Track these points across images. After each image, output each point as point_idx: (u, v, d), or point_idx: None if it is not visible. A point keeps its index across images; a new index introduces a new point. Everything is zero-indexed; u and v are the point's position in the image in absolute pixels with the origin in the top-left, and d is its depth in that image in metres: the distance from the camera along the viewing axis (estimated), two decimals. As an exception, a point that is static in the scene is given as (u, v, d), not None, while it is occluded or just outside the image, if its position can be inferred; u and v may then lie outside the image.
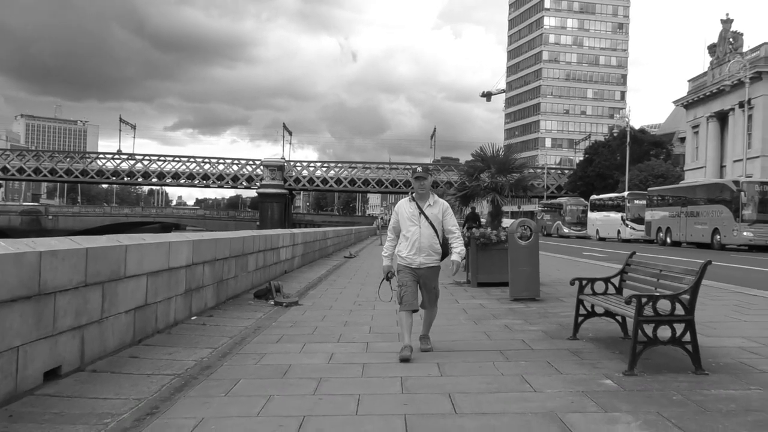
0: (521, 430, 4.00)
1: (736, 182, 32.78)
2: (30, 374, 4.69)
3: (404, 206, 6.43)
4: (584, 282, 7.00)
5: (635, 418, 4.18)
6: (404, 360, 5.94)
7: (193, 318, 8.37)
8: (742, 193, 31.31)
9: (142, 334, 6.76)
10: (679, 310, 5.41)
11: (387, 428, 4.06)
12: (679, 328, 5.41)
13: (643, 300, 5.42)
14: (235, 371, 5.63)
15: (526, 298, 10.41)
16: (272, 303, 10.22)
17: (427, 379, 5.34)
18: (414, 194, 6.43)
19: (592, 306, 6.90)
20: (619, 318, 6.87)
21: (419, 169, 6.52)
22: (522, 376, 5.35)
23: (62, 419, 4.22)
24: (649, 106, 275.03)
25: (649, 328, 5.38)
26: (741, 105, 45.30)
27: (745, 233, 30.94)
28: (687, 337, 5.39)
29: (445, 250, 6.41)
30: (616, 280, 7.12)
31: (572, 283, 7.07)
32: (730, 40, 53.65)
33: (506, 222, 18.83)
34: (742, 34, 53.57)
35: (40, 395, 4.67)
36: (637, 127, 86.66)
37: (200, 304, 8.80)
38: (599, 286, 7.05)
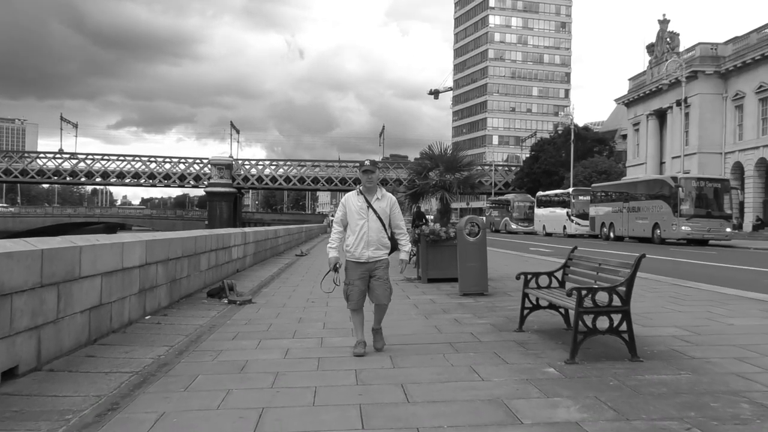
0: (470, 416, 4.25)
1: (675, 178, 33.95)
2: (-11, 375, 4.74)
3: (352, 199, 6.34)
4: (529, 276, 7.32)
5: (575, 402, 4.48)
6: (358, 356, 6.04)
7: (147, 317, 8.42)
8: (680, 189, 32.44)
9: (97, 334, 6.81)
10: (616, 302, 5.77)
11: (343, 417, 4.26)
12: (617, 318, 5.75)
13: (583, 292, 5.74)
14: (192, 368, 5.75)
15: (475, 293, 10.73)
16: (226, 302, 10.30)
17: (381, 371, 5.55)
18: (362, 188, 6.36)
19: (537, 299, 7.22)
20: (561, 310, 7.21)
21: (367, 162, 6.42)
22: (471, 367, 5.61)
23: (23, 416, 4.30)
24: (593, 103, 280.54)
25: (588, 319, 5.71)
26: (678, 103, 46.88)
27: (683, 227, 32.09)
28: (624, 326, 5.74)
29: (394, 244, 6.42)
30: (559, 274, 7.45)
31: (518, 278, 7.38)
32: (668, 39, 55.43)
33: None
34: (678, 35, 55.42)
35: None
36: (581, 124, 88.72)
37: (154, 304, 8.84)
38: (543, 280, 7.38)
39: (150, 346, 6.72)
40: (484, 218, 73.65)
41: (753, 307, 8.87)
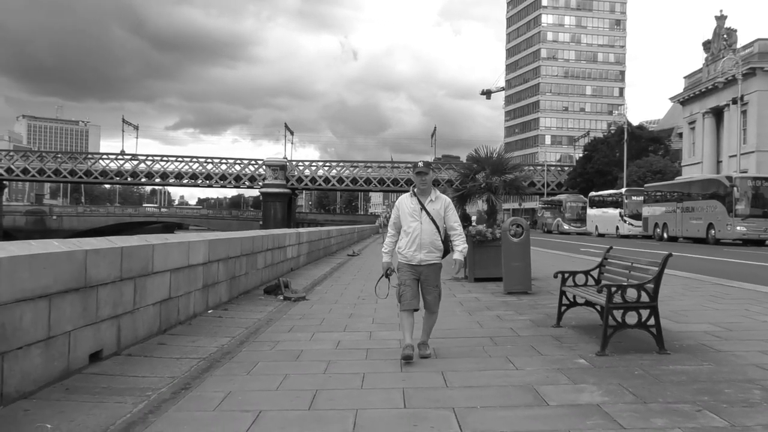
0: (501, 399, 4.73)
1: (729, 178, 33.51)
2: (79, 355, 5.42)
3: (405, 201, 6.31)
4: (566, 275, 7.73)
5: (599, 388, 4.91)
6: (406, 358, 5.92)
7: (209, 311, 9.09)
8: (735, 189, 32.05)
9: (166, 325, 7.49)
10: (644, 298, 6.14)
11: (387, 398, 4.79)
12: (645, 313, 6.13)
13: (613, 289, 6.15)
14: (253, 356, 6.36)
15: (518, 292, 11.14)
16: (281, 298, 10.93)
17: (423, 361, 6.06)
18: (416, 189, 6.32)
19: (574, 296, 7.62)
20: (597, 307, 7.59)
21: (420, 164, 6.34)
22: (507, 358, 6.08)
23: (110, 392, 4.95)
24: (649, 101, 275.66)
25: (618, 314, 6.10)
26: (734, 101, 45.94)
27: (738, 228, 31.68)
28: (651, 321, 6.12)
29: (447, 247, 6.31)
30: (595, 273, 7.82)
31: (555, 276, 7.79)
32: (724, 36, 54.27)
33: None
34: (735, 31, 54.15)
35: (87, 373, 5.40)
36: (636, 123, 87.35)
37: (216, 299, 9.53)
38: (580, 279, 7.77)
39: (213, 337, 7.37)
40: (537, 219, 73.45)
41: (790, 306, 9.08)
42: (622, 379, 5.15)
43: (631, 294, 6.17)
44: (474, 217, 17.80)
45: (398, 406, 4.61)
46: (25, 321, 4.64)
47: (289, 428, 4.15)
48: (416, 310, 6.19)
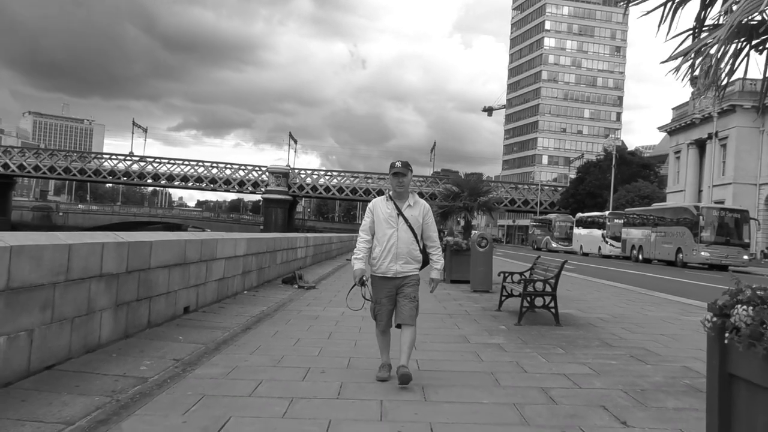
0: (444, 339, 7.82)
1: (697, 207, 36.72)
2: (180, 307, 8.51)
3: (380, 205, 5.68)
4: (507, 274, 10.81)
5: (504, 338, 8.01)
6: (382, 380, 5.59)
7: (245, 291, 12.17)
8: (702, 217, 35.19)
9: (222, 296, 10.59)
10: (548, 289, 9.25)
11: (373, 338, 7.86)
12: (548, 299, 9.24)
13: (527, 282, 9.25)
14: (286, 315, 9.47)
15: (482, 290, 14.21)
16: (296, 287, 14.01)
17: (400, 323, 9.11)
18: (392, 193, 5.70)
19: (511, 290, 10.70)
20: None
21: (398, 163, 5.64)
22: (456, 324, 9.17)
23: (203, 327, 8.03)
24: (647, 127, 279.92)
25: (533, 299, 9.21)
26: (710, 137, 49.25)
27: (702, 253, 34.77)
28: (552, 304, 9.22)
29: (425, 258, 5.79)
30: (527, 274, 10.90)
31: (499, 275, 10.90)
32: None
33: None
34: (721, 69, 57.32)
35: (185, 318, 8.49)
36: (632, 147, 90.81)
37: (249, 283, 12.61)
38: (516, 277, 10.84)
39: (255, 306, 10.46)
40: (529, 236, 76.60)
41: (676, 307, 12.19)
42: (521, 335, 8.26)
43: (539, 286, 9.28)
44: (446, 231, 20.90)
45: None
46: (159, 280, 7.74)
47: (317, 345, 7.23)
48: (398, 326, 5.64)
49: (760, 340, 2.37)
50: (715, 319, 2.70)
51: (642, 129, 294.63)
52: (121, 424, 4.17)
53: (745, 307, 2.52)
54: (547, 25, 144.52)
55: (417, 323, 5.69)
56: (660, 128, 67.73)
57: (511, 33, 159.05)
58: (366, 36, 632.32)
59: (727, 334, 2.59)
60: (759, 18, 3.39)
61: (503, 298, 10.80)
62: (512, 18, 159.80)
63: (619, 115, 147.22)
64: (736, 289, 2.69)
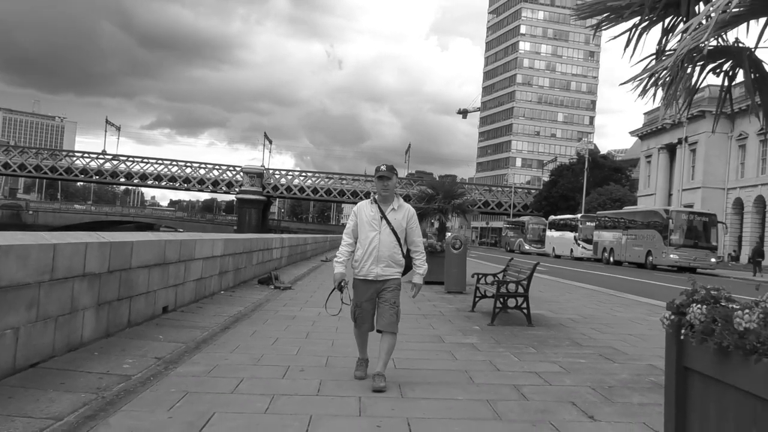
0: (419, 339, 8.01)
1: (667, 210, 37.47)
2: (159, 306, 8.61)
3: (365, 209, 5.73)
4: (480, 276, 11.04)
5: (478, 338, 8.23)
6: (359, 378, 5.72)
7: (222, 292, 12.26)
8: (671, 220, 35.90)
9: (199, 297, 10.68)
10: (521, 290, 9.49)
11: (350, 337, 8.03)
12: (520, 300, 9.48)
13: (500, 284, 9.49)
14: (263, 316, 9.60)
15: (455, 291, 14.43)
16: (272, 287, 14.12)
17: (376, 323, 9.30)
18: (377, 196, 5.78)
19: (485, 291, 10.93)
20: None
21: (383, 167, 5.71)
22: (430, 324, 9.38)
23: (183, 327, 8.14)
24: (620, 130, 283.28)
25: (504, 300, 9.44)
26: (679, 142, 50.17)
27: (671, 255, 35.48)
28: (524, 305, 9.47)
29: (408, 263, 5.81)
30: (501, 275, 11.15)
31: (473, 276, 11.12)
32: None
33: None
34: (692, 76, 58.40)
35: (164, 318, 8.59)
36: (604, 151, 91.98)
37: (226, 284, 12.71)
38: (490, 279, 11.09)
39: (232, 306, 10.57)
40: (502, 238, 77.32)
41: (644, 308, 12.53)
42: (494, 335, 8.49)
43: (512, 287, 9.52)
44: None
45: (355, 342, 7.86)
46: (139, 280, 7.84)
47: (295, 344, 7.39)
48: (379, 331, 5.71)
49: (712, 335, 2.59)
50: (672, 317, 2.92)
51: (614, 133, 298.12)
52: (108, 419, 4.30)
53: (699, 305, 2.74)
54: (523, 29, 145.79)
55: None
56: (632, 133, 68.77)
57: (487, 36, 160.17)
58: (343, 36, 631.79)
59: (683, 331, 2.81)
60: (714, 43, 3.63)
61: (477, 299, 11.03)
62: (488, 21, 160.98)
63: (592, 119, 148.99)
64: (692, 290, 2.91)
